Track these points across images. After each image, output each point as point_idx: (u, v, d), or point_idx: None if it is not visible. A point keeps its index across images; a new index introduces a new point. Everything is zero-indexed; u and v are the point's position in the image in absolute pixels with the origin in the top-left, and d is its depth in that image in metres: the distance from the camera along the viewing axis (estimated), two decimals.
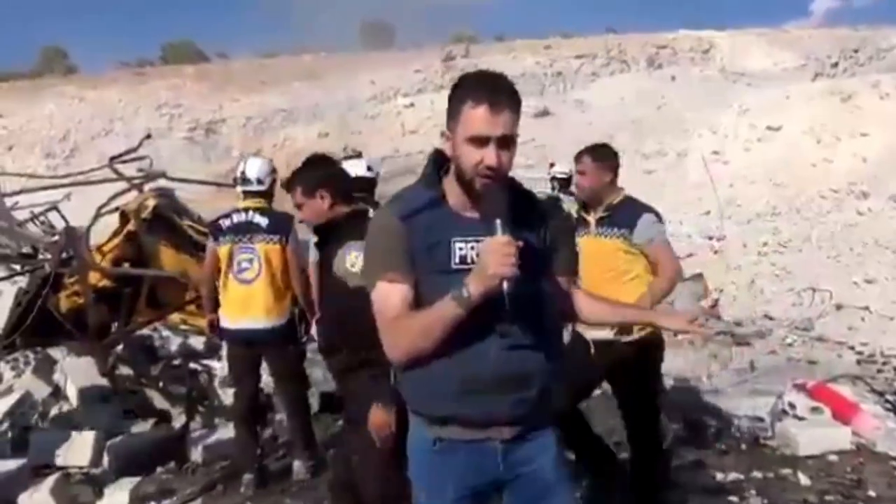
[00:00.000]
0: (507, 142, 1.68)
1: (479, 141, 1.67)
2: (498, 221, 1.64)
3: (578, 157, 3.54)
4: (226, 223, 4.09)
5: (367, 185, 3.96)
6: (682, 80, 19.08)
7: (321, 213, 2.90)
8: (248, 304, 4.00)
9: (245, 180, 4.13)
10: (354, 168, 3.88)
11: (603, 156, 3.54)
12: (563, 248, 1.95)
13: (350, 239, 2.67)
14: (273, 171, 4.24)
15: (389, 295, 1.73)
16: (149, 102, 18.72)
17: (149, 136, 11.55)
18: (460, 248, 1.72)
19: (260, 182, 4.13)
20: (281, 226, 4.07)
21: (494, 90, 1.68)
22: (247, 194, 4.13)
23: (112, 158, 7.86)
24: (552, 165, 7.76)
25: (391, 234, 1.74)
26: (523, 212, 1.79)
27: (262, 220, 4.05)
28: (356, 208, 2.94)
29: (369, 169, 4.08)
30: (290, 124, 18.35)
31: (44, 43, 27.89)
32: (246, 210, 4.09)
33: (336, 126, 17.30)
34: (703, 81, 18.72)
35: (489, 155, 1.66)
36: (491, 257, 1.61)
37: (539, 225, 1.85)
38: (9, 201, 7.74)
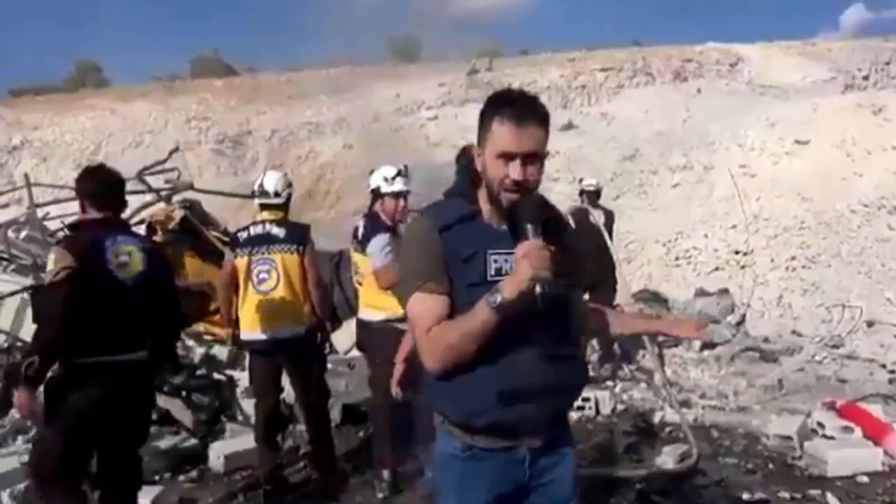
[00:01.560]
0: (533, 158, 1.73)
1: (506, 156, 1.72)
2: (529, 226, 1.69)
3: None
4: (243, 235, 4.17)
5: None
6: (709, 93, 18.90)
7: None
8: (267, 314, 4.06)
9: (263, 193, 4.22)
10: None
11: None
12: (592, 264, 1.99)
13: None
14: (290, 184, 4.33)
15: (426, 305, 1.77)
16: (178, 115, 19.03)
17: (177, 149, 11.77)
18: (495, 261, 1.77)
19: (277, 195, 4.21)
20: (298, 236, 4.15)
21: (521, 108, 1.74)
22: (264, 207, 4.21)
23: (141, 170, 8.02)
24: (581, 181, 7.75)
25: (428, 245, 1.78)
26: (552, 225, 1.83)
27: (280, 231, 4.13)
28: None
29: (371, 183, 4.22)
30: (315, 137, 18.51)
31: (79, 57, 28.51)
32: (263, 222, 4.17)
33: (360, 138, 17.42)
34: (729, 95, 18.53)
35: (515, 170, 1.72)
36: (528, 260, 1.65)
37: (567, 239, 1.89)
38: (40, 212, 7.91)
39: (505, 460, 1.82)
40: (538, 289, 1.64)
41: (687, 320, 1.96)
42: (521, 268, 1.66)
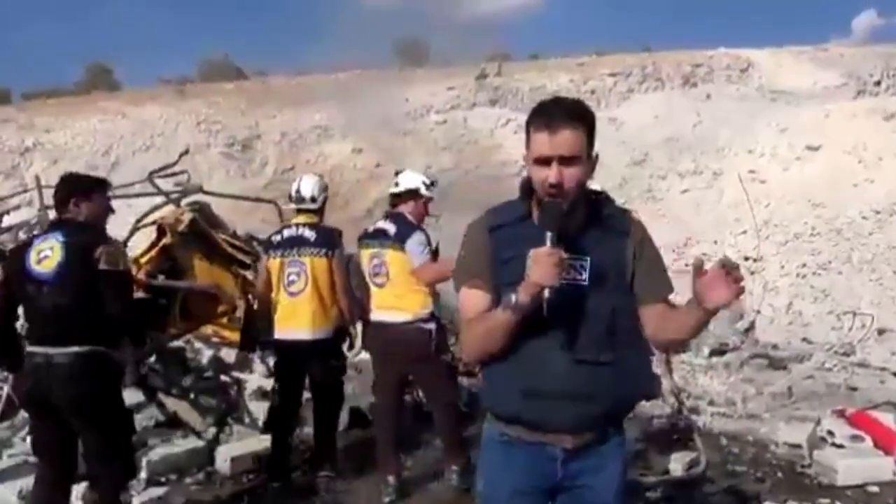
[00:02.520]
0: (569, 160, 1.80)
1: (543, 161, 1.81)
2: (548, 233, 1.76)
3: None
4: (277, 238, 4.30)
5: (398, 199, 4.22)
6: (719, 98, 18.84)
7: None
8: (294, 316, 4.16)
9: (299, 198, 4.33)
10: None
11: None
12: (652, 274, 1.92)
13: None
14: (325, 188, 4.45)
15: (470, 299, 1.91)
16: (188, 118, 19.13)
17: (187, 152, 11.80)
18: None
19: (313, 200, 4.33)
20: (328, 240, 4.22)
21: (554, 114, 1.81)
22: (300, 211, 4.33)
23: (151, 173, 8.06)
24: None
25: (479, 244, 1.93)
26: (605, 230, 1.88)
27: (311, 235, 4.22)
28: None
29: (396, 185, 4.26)
30: (324, 140, 18.57)
31: (90, 61, 28.72)
32: (297, 225, 4.28)
33: (369, 142, 17.46)
34: (740, 100, 18.46)
35: (552, 173, 1.79)
36: (534, 266, 1.73)
37: (620, 243, 1.89)
38: (52, 213, 7.95)
39: (537, 455, 1.89)
40: (546, 294, 1.74)
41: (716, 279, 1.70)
42: (529, 273, 1.75)
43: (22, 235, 7.39)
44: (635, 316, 1.89)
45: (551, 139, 1.78)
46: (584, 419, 1.85)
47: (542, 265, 1.72)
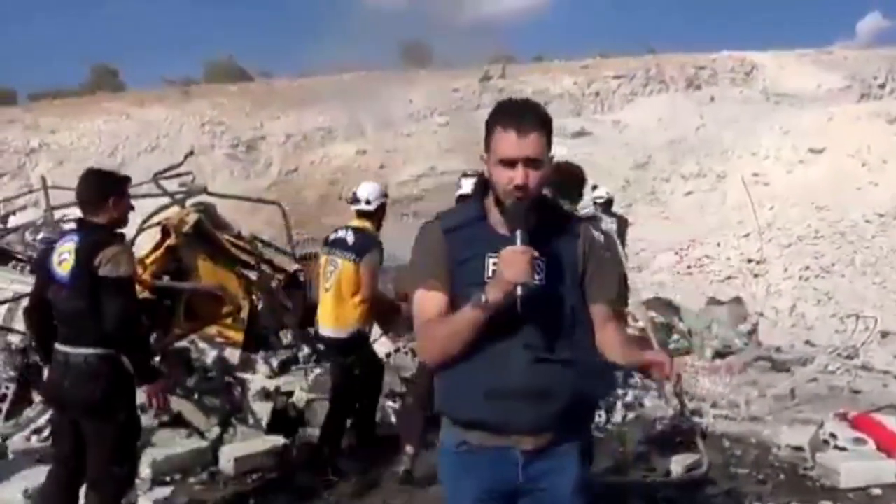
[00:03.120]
0: (534, 163, 1.81)
1: (509, 163, 1.81)
2: (518, 232, 1.76)
3: None
4: (330, 237, 4.54)
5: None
6: (722, 100, 18.85)
7: None
8: (323, 311, 4.46)
9: (355, 199, 4.55)
10: (466, 186, 4.40)
11: None
12: (599, 276, 1.95)
13: None
14: (384, 195, 4.60)
15: (426, 301, 1.88)
16: (193, 120, 19.20)
17: (192, 153, 11.84)
18: (494, 264, 1.84)
19: (368, 202, 4.48)
20: (362, 246, 4.36)
21: (522, 115, 1.82)
22: (357, 213, 4.52)
23: (156, 174, 8.09)
24: (595, 188, 7.76)
25: (434, 246, 1.90)
26: (559, 231, 1.90)
27: (351, 238, 4.40)
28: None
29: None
30: (329, 142, 18.63)
31: (96, 62, 28.83)
32: (347, 227, 4.49)
33: (373, 143, 17.50)
34: (743, 103, 18.46)
35: (518, 175, 1.80)
36: (506, 264, 1.73)
37: (572, 244, 1.93)
38: (57, 214, 8.00)
39: (497, 459, 1.87)
40: (519, 291, 1.72)
41: (663, 360, 1.93)
42: (501, 271, 1.75)
43: (28, 236, 7.44)
44: (586, 313, 1.93)
45: (520, 141, 1.79)
46: (543, 418, 1.83)
47: (514, 263, 1.72)
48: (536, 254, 1.75)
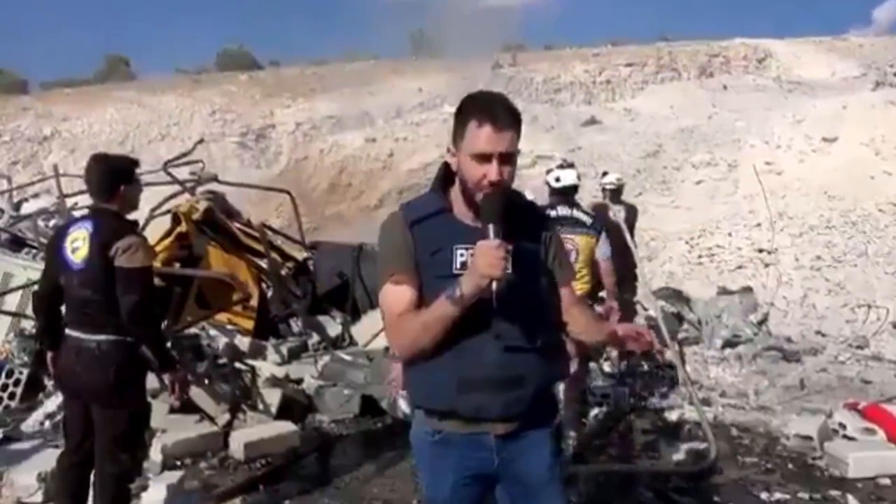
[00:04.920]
0: (508, 158, 1.82)
1: (483, 157, 1.81)
2: (491, 226, 1.76)
3: None
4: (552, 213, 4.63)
5: (573, 191, 4.77)
6: (735, 88, 18.67)
7: None
8: None
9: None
10: (567, 177, 4.66)
11: None
12: (560, 261, 2.04)
13: None
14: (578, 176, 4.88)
15: (395, 295, 1.87)
16: (203, 108, 19.23)
17: (202, 141, 11.89)
18: (461, 255, 1.86)
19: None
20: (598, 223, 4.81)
21: (497, 111, 1.82)
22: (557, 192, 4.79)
23: (167, 162, 8.14)
24: (605, 174, 7.70)
25: (398, 238, 1.89)
26: (524, 222, 1.93)
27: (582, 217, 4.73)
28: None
29: (578, 178, 4.82)
30: (338, 130, 18.60)
31: (108, 51, 28.91)
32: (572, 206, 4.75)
33: (382, 132, 17.48)
34: (756, 91, 18.27)
35: (492, 170, 1.81)
36: (481, 259, 1.73)
37: (540, 235, 1.98)
38: (69, 202, 8.06)
39: (471, 446, 1.90)
40: (494, 286, 1.73)
41: (637, 329, 1.98)
42: (476, 266, 1.74)
43: (41, 223, 7.50)
44: (553, 299, 1.98)
45: (498, 137, 1.79)
46: (514, 404, 1.87)
47: (489, 257, 1.72)
48: (510, 247, 1.75)
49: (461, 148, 1.85)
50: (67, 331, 3.13)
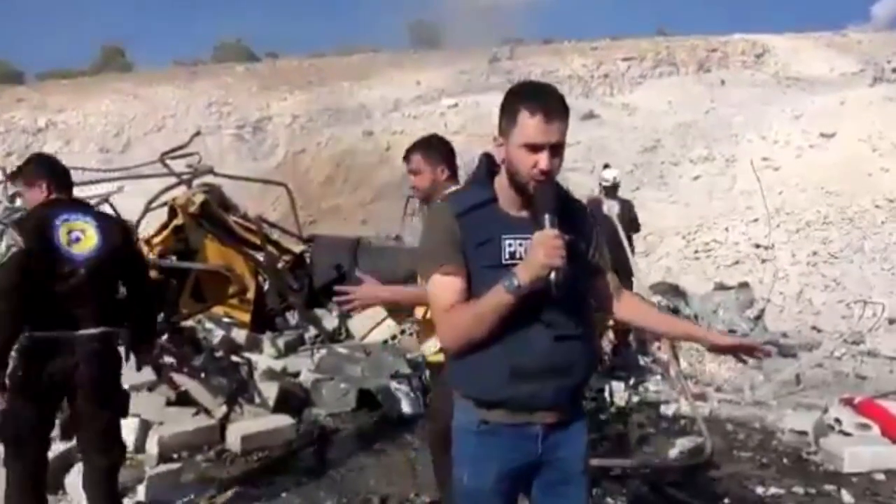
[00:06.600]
0: (558, 148, 1.82)
1: (534, 147, 1.80)
2: (547, 216, 1.78)
3: (407, 156, 3.02)
4: None
5: None
6: (733, 84, 18.67)
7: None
8: None
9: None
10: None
11: (434, 151, 3.01)
12: (602, 249, 2.05)
13: None
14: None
15: (444, 286, 1.87)
16: (199, 100, 19.17)
17: (198, 133, 11.84)
18: (510, 245, 1.85)
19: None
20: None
21: (549, 101, 1.82)
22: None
23: (163, 154, 8.10)
24: (606, 167, 7.77)
25: (446, 230, 1.88)
26: (568, 212, 1.92)
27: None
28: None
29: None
30: (335, 123, 18.57)
31: (104, 42, 28.77)
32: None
33: (380, 125, 17.44)
34: (754, 86, 18.28)
35: (543, 160, 1.80)
36: (541, 248, 1.74)
37: (583, 225, 1.98)
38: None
39: (518, 435, 1.90)
40: (552, 276, 1.75)
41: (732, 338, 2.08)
42: (536, 256, 1.75)
43: None
44: (586, 287, 1.99)
45: (548, 127, 1.79)
46: (563, 392, 1.89)
47: (547, 247, 1.73)
48: (567, 237, 1.77)
49: (510, 137, 1.83)
50: (57, 333, 2.93)
